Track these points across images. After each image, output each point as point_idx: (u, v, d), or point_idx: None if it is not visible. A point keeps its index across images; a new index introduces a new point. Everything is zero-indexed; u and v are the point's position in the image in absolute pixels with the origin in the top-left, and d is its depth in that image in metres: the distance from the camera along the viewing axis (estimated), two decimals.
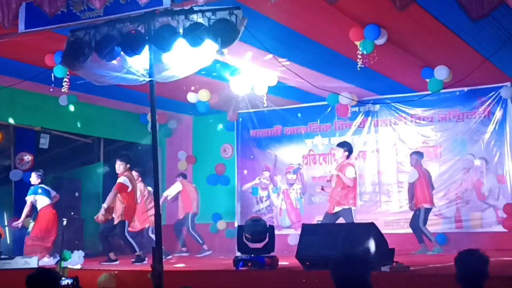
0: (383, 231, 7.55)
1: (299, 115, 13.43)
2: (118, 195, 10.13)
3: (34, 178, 10.86)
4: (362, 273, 3.83)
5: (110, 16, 7.02)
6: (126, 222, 10.19)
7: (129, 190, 10.21)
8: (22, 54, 9.28)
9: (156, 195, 6.53)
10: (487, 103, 11.76)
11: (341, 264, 3.87)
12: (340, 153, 9.83)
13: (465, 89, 11.84)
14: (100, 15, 7.13)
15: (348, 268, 3.83)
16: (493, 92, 11.69)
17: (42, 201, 10.77)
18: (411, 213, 11.02)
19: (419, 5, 7.51)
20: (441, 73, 10.44)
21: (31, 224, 10.74)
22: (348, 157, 9.89)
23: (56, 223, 10.67)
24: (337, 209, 9.58)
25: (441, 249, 10.56)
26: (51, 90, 10.12)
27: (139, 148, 13.58)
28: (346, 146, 9.95)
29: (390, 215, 12.34)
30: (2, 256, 9.18)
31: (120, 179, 10.20)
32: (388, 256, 7.16)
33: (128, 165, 10.35)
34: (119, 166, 10.31)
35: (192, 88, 11.48)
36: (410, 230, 11.06)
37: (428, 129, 12.39)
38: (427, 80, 10.73)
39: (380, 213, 11.92)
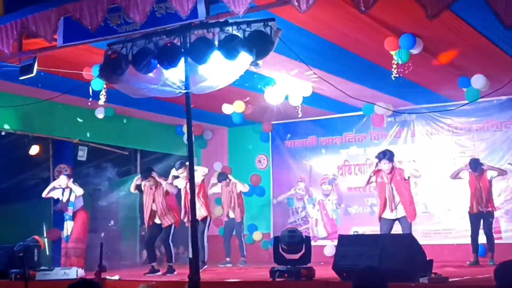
0: (421, 243, 7.46)
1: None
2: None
3: (64, 180, 10.73)
4: (378, 283, 4.13)
5: (146, 29, 7.12)
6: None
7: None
8: (61, 67, 9.43)
9: (193, 204, 6.55)
10: None
11: (357, 278, 4.19)
12: (387, 165, 9.43)
13: (503, 98, 11.69)
14: (136, 28, 7.22)
15: (364, 280, 4.15)
16: None
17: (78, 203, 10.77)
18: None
19: (454, 13, 7.44)
20: (478, 82, 10.29)
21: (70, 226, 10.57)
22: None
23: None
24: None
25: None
26: (89, 103, 10.26)
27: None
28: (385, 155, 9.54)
29: (429, 225, 12.20)
30: (42, 268, 9.31)
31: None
32: (427, 268, 7.08)
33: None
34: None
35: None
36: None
37: (466, 138, 12.24)
38: (464, 89, 10.60)
39: (418, 224, 11.77)
